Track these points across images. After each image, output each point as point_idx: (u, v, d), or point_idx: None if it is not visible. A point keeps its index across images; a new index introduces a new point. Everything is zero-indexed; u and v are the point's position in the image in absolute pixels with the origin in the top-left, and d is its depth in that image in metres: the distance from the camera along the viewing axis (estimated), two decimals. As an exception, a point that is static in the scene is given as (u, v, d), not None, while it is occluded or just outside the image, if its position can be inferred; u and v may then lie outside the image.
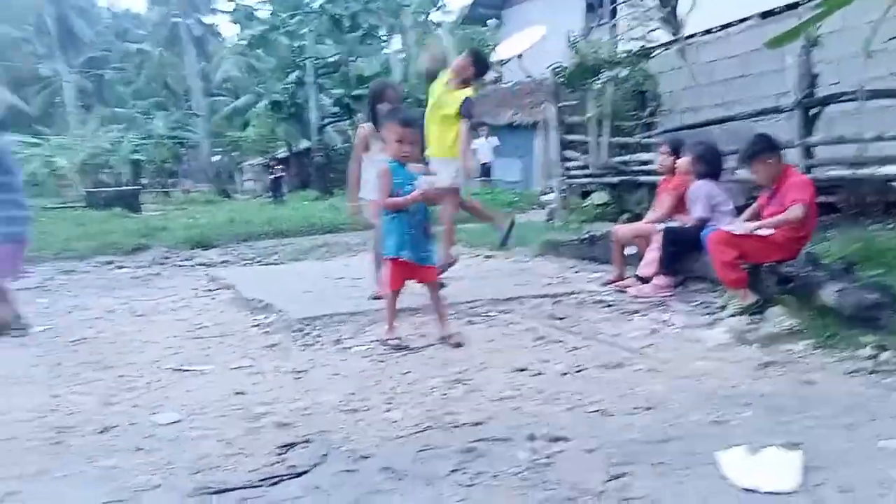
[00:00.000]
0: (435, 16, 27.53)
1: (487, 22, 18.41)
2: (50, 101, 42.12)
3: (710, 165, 4.85)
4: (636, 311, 4.44)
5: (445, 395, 2.98)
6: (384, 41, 22.82)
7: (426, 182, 3.64)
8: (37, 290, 6.42)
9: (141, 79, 40.31)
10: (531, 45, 9.01)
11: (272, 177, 20.62)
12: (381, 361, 3.54)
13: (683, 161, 5.00)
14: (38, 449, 2.54)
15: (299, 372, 3.40)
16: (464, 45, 19.76)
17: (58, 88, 41.65)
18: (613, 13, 15.20)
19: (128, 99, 39.64)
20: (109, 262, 8.09)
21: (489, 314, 4.48)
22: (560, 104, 8.95)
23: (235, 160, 36.67)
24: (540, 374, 3.22)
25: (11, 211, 4.43)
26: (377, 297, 4.51)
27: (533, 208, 11.94)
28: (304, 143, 24.11)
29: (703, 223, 4.73)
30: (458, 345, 3.71)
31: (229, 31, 37.67)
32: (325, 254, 7.75)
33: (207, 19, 39.92)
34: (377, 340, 3.83)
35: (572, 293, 4.96)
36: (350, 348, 3.80)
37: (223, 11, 35.59)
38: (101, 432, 2.68)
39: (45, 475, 2.29)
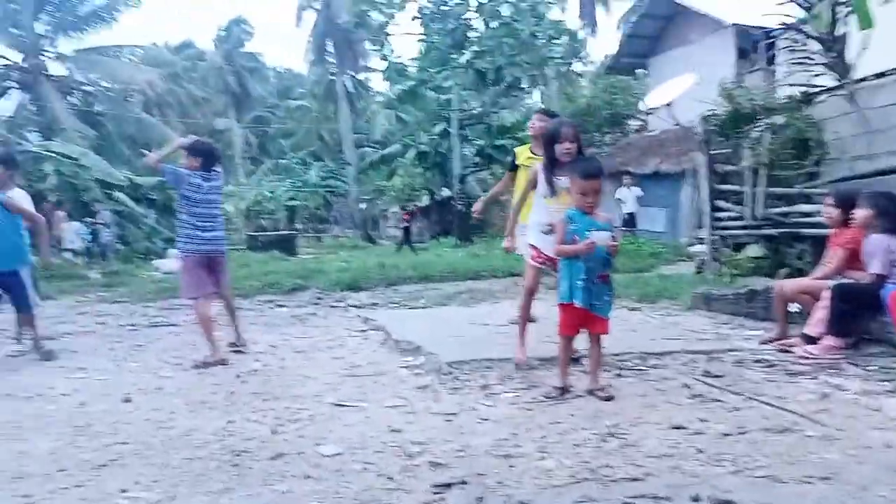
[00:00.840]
0: (577, 66, 27.74)
1: (636, 71, 18.27)
2: (223, 153, 46.60)
3: (891, 219, 4.46)
4: (803, 373, 4.13)
5: (599, 447, 2.92)
6: (527, 92, 23.26)
7: (596, 236, 3.57)
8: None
9: (299, 132, 43.69)
10: (681, 93, 8.81)
11: (402, 226, 21.46)
12: (529, 409, 3.54)
13: (862, 213, 4.62)
14: (221, 469, 2.79)
15: (450, 414, 3.48)
16: (608, 95, 19.71)
17: (229, 141, 46.10)
18: (770, 59, 14.59)
19: (287, 150, 43.05)
20: (270, 301, 8.76)
21: (640, 368, 4.35)
22: (711, 152, 8.64)
23: (381, 207, 38.46)
24: (699, 433, 3.08)
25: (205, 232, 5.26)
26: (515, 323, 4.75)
27: (681, 260, 11.50)
28: (445, 192, 24.93)
29: (881, 280, 4.35)
30: (609, 398, 3.63)
31: (380, 85, 40.04)
32: (468, 300, 7.90)
33: (361, 76, 42.66)
34: (547, 386, 3.82)
35: (729, 350, 4.71)
36: (498, 394, 3.83)
37: (375, 70, 37.92)
38: (274, 458, 2.89)
39: (230, 493, 2.51)
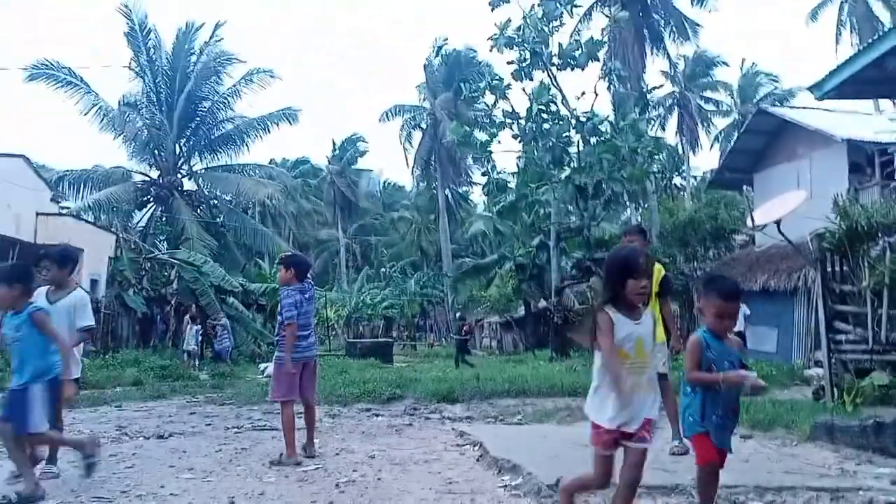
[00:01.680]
0: (678, 180, 27.67)
1: (743, 188, 18.02)
2: (329, 261, 48.95)
3: None
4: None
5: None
6: (626, 206, 23.33)
7: (744, 375, 3.25)
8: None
9: (401, 242, 45.36)
10: (791, 209, 8.58)
11: (460, 338, 21.36)
12: (635, 542, 3.35)
13: None
14: (320, 583, 2.79)
15: (550, 541, 3.35)
16: (711, 209, 19.42)
17: (334, 251, 48.41)
18: (888, 174, 14.03)
19: (388, 260, 44.66)
20: (368, 409, 8.86)
21: (754, 503, 4.05)
22: (826, 271, 8.25)
23: (476, 317, 38.65)
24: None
25: (303, 340, 5.71)
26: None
27: (795, 384, 10.75)
28: (542, 304, 24.82)
29: None
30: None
31: (479, 197, 41.42)
32: (566, 418, 7.67)
33: (461, 189, 44.32)
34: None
35: (858, 489, 4.30)
36: (602, 522, 3.66)
37: (476, 183, 39.33)
38: (372, 576, 2.87)
39: None
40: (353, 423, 7.78)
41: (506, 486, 4.52)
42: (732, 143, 21.13)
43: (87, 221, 20.72)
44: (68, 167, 26.65)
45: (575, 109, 17.42)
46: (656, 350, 5.18)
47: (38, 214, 17.51)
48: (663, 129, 36.59)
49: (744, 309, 14.52)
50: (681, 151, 34.91)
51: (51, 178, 23.21)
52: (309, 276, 6.06)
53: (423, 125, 40.45)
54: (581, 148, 17.14)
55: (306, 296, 5.82)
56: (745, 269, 16.10)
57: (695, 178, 37.30)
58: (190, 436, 7.05)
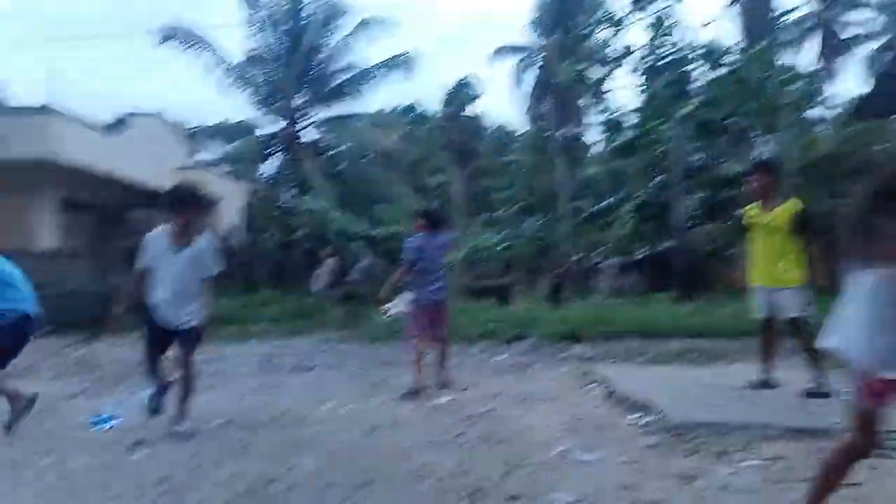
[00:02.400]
0: (816, 111, 25.41)
1: (893, 117, 16.22)
2: (444, 206, 49.58)
3: None
4: None
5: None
6: (756, 141, 21.76)
7: None
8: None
9: (514, 186, 45.06)
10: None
11: (555, 281, 20.80)
12: (777, 483, 3.26)
13: None
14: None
15: (686, 477, 3.34)
16: (854, 143, 17.75)
17: (449, 196, 48.90)
18: None
19: (502, 204, 44.53)
20: (491, 349, 9.05)
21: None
22: None
23: (593, 260, 38.00)
24: None
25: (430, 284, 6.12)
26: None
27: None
28: (664, 245, 23.95)
29: None
30: None
31: (594, 137, 40.12)
32: (696, 358, 7.48)
33: (576, 130, 43.09)
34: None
35: None
36: (740, 461, 3.59)
37: (592, 124, 38.11)
38: (509, 500, 3.00)
39: (472, 528, 2.65)
40: (477, 361, 7.99)
41: (635, 423, 4.51)
42: (884, 67, 19.05)
43: (219, 173, 22.11)
44: (199, 123, 28.37)
45: (698, 38, 16.31)
46: (793, 293, 4.94)
47: (176, 168, 18.89)
48: (800, 56, 33.51)
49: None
50: (820, 80, 31.91)
51: (187, 133, 24.86)
52: (443, 228, 6.55)
53: (535, 66, 39.40)
54: (705, 81, 16.09)
55: (437, 244, 6.28)
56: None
57: (836, 108, 34.09)
58: (326, 369, 7.53)
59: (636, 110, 18.54)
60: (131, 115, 16.51)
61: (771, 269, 5.05)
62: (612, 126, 18.43)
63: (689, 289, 17.45)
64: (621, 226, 25.41)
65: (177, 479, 3.35)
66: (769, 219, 5.12)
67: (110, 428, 4.65)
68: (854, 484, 3.15)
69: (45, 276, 11.59)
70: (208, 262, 4.56)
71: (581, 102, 37.35)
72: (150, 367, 4.64)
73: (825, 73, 33.28)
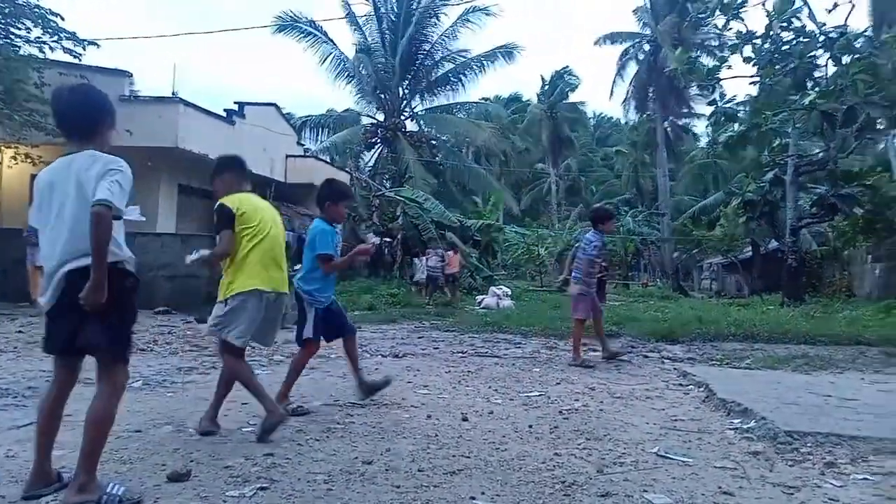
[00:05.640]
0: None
1: None
2: (539, 198, 49.15)
3: None
4: None
5: None
6: (885, 133, 20.15)
7: None
8: (529, 361, 7.52)
9: (615, 178, 43.96)
10: None
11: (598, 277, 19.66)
12: (890, 499, 3.08)
13: None
14: (554, 496, 2.98)
15: (789, 487, 3.21)
16: None
17: (546, 188, 48.39)
18: None
19: (600, 197, 43.60)
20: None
21: None
22: None
23: (695, 258, 36.60)
24: None
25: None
26: None
27: None
28: (774, 244, 22.73)
29: None
30: None
31: (702, 129, 38.39)
32: (803, 365, 7.10)
33: (682, 121, 41.50)
34: None
35: None
36: (848, 475, 3.41)
37: (699, 115, 36.56)
38: (603, 496, 2.99)
39: (565, 520, 2.67)
40: (569, 356, 7.93)
41: (736, 428, 4.36)
42: None
43: (325, 162, 22.90)
44: (308, 113, 29.47)
45: (824, 24, 15.24)
46: None
47: (287, 156, 19.73)
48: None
49: None
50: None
51: (295, 123, 25.91)
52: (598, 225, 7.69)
53: (641, 54, 38.20)
54: (830, 69, 15.02)
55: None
56: None
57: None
58: (421, 357, 7.71)
59: (750, 100, 17.60)
60: (247, 105, 17.39)
61: None
62: (723, 117, 17.56)
63: (799, 292, 16.51)
64: (727, 222, 24.37)
65: (280, 454, 3.56)
66: None
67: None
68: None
69: (166, 258, 12.54)
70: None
71: (691, 92, 35.93)
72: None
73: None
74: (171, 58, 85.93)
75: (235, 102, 17.20)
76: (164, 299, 12.15)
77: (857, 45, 14.72)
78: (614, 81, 39.78)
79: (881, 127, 19.49)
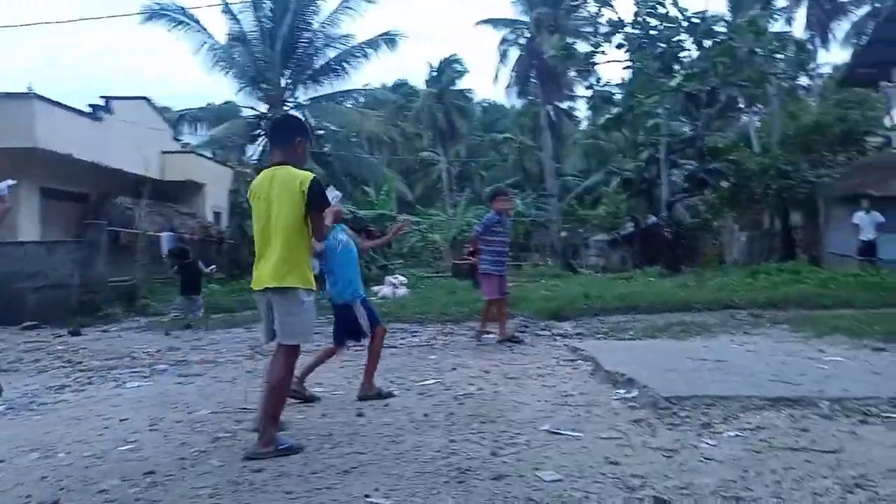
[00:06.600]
0: (804, 80, 25.41)
1: (880, 84, 16.22)
2: (431, 185, 49.40)
3: None
4: None
5: (844, 499, 2.67)
6: (744, 111, 21.77)
7: None
8: (425, 348, 7.54)
9: (503, 163, 44.86)
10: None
11: (466, 263, 20.54)
12: (758, 452, 3.32)
13: None
14: (449, 485, 2.98)
15: (669, 450, 3.38)
16: (840, 110, 17.79)
17: (436, 175, 48.70)
18: None
19: (491, 181, 44.38)
20: (475, 329, 9.06)
21: (889, 415, 3.88)
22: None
23: (582, 236, 38.10)
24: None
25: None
26: None
27: (935, 294, 9.97)
28: (652, 219, 24.08)
29: None
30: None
31: (583, 113, 39.90)
32: (680, 333, 7.55)
33: (564, 105, 42.87)
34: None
35: None
36: (721, 433, 3.65)
37: (580, 96, 37.89)
38: (496, 479, 3.03)
39: (458, 508, 2.68)
40: (465, 340, 8.03)
41: (621, 398, 4.56)
42: (869, 34, 19.01)
43: (206, 157, 21.90)
44: (184, 106, 28.00)
45: (686, 10, 16.20)
46: None
47: (162, 153, 18.69)
48: (790, 25, 33.36)
49: (877, 216, 13.51)
50: (810, 47, 31.82)
51: (171, 118, 24.54)
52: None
53: (522, 39, 39.08)
54: (693, 53, 16.02)
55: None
56: (879, 175, 14.83)
57: (823, 76, 34.07)
58: (314, 353, 7.52)
59: (623, 84, 18.47)
60: (114, 99, 16.29)
61: None
62: (601, 100, 18.35)
63: (676, 263, 17.59)
64: (609, 201, 25.55)
65: (162, 472, 3.37)
66: None
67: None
68: (833, 451, 3.22)
69: (31, 268, 11.56)
70: None
71: (569, 77, 37.21)
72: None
73: (817, 40, 33.21)
74: (34, 54, 79.14)
75: (101, 97, 16.08)
76: (32, 313, 11.21)
77: (717, 30, 15.80)
78: (497, 67, 40.51)
79: (741, 106, 21.06)
